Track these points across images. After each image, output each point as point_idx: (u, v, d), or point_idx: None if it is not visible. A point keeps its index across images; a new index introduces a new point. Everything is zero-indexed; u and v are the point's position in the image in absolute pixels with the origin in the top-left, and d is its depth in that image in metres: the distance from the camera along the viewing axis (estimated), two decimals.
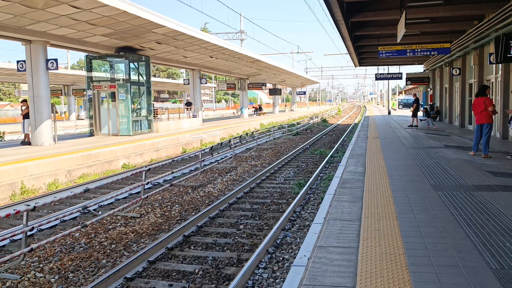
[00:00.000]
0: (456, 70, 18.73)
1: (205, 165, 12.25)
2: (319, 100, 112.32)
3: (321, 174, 11.14)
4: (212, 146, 15.74)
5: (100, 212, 7.69)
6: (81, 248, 6.00)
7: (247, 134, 20.95)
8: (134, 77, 18.10)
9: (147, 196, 8.28)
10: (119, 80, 17.81)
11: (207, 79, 37.90)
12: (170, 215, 7.61)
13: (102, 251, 5.86)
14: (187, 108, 25.20)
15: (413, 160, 8.89)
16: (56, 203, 8.63)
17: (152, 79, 26.37)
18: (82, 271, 5.21)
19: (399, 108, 50.19)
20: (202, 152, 12.98)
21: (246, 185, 9.65)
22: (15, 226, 6.97)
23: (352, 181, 6.78)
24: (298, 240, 5.99)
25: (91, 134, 17.97)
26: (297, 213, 7.40)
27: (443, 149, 10.79)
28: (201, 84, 26.81)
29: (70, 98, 41.10)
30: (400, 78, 27.20)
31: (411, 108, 19.85)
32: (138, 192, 9.10)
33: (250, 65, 28.59)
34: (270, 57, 36.21)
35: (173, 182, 9.59)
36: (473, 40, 14.60)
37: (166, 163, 11.90)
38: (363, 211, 4.94)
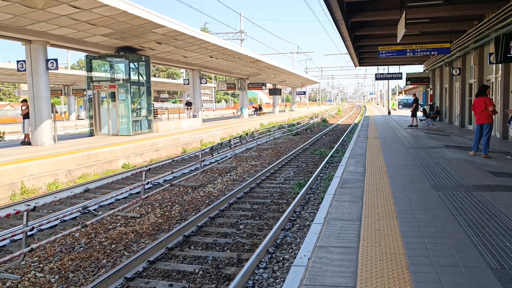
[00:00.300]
0: (456, 70, 18.73)
1: (205, 165, 12.25)
2: (319, 100, 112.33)
3: (321, 174, 11.14)
4: (212, 146, 15.74)
5: (100, 212, 7.69)
6: (81, 248, 6.00)
7: (247, 134, 20.95)
8: (134, 77, 18.11)
9: (147, 196, 8.28)
10: (119, 80, 17.81)
11: (207, 79, 37.91)
12: (170, 215, 7.61)
13: (102, 251, 5.86)
14: (187, 108, 25.20)
15: (413, 160, 8.89)
16: (56, 203, 8.63)
17: (152, 79, 26.38)
18: (82, 271, 5.21)
19: (399, 108, 50.17)
20: (202, 152, 12.98)
21: (246, 185, 9.65)
22: (15, 226, 6.97)
23: (352, 181, 6.78)
24: (298, 240, 5.99)
25: (91, 134, 17.97)
26: (297, 213, 7.40)
27: (443, 149, 10.79)
28: (201, 84, 26.81)
29: (70, 98, 41.11)
30: (400, 78, 27.20)
31: (411, 108, 19.85)
32: (138, 192, 9.10)
33: (250, 65, 28.60)
34: (270, 57, 36.21)
35: (173, 182, 9.58)
36: (473, 40, 14.60)
37: (166, 163, 11.90)
38: (363, 211, 4.94)
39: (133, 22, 13.62)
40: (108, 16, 12.60)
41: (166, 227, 6.93)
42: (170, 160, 11.78)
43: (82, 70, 48.01)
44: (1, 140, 18.73)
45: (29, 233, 5.91)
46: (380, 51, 15.98)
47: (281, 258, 5.35)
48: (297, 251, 5.44)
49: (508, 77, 12.75)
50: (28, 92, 14.57)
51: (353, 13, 13.28)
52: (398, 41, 12.91)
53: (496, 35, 11.69)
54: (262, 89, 40.45)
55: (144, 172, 8.52)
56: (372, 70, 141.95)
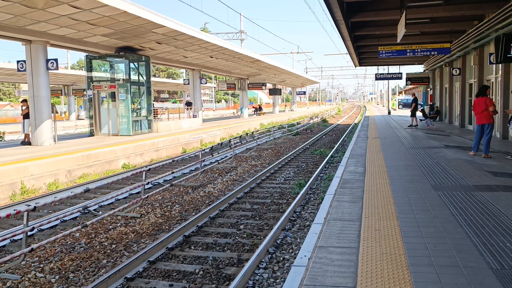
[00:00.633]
0: (456, 70, 18.73)
1: (205, 165, 12.26)
2: (319, 100, 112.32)
3: (321, 174, 11.14)
4: (212, 146, 15.74)
5: (100, 212, 7.69)
6: (82, 248, 6.00)
7: (247, 134, 20.95)
8: (134, 77, 18.11)
9: (147, 196, 8.28)
10: (119, 80, 17.82)
11: (207, 79, 37.90)
12: (170, 215, 7.61)
13: (103, 251, 5.86)
14: (187, 108, 25.21)
15: (413, 160, 8.90)
16: (57, 203, 8.63)
17: (152, 79, 26.38)
18: (82, 271, 5.21)
19: (399, 108, 50.17)
20: (202, 152, 12.98)
21: (246, 185, 9.65)
22: (16, 226, 6.97)
23: (352, 181, 6.79)
24: (299, 240, 5.99)
25: (91, 134, 17.97)
26: (297, 213, 7.40)
27: (443, 149, 10.79)
28: (201, 84, 26.81)
29: (70, 98, 41.11)
30: (400, 78, 27.21)
31: (411, 108, 19.85)
32: (138, 192, 9.10)
33: (250, 65, 28.60)
34: (270, 57, 36.19)
35: (173, 182, 9.58)
36: (473, 40, 14.60)
37: (166, 163, 11.90)
38: (364, 211, 4.94)
39: (133, 22, 13.62)
40: (108, 16, 12.60)
41: (166, 227, 6.94)
42: (170, 160, 11.78)
43: (82, 70, 48.04)
44: (1, 140, 18.72)
45: (29, 233, 5.91)
46: (380, 51, 15.98)
47: (281, 258, 5.35)
48: (297, 251, 5.44)
49: (508, 77, 12.75)
50: (28, 92, 14.57)
51: (353, 13, 13.28)
52: (398, 41, 12.92)
53: (496, 35, 11.69)
54: (262, 89, 40.46)
55: (144, 172, 8.52)
56: (372, 70, 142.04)
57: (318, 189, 9.36)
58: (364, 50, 21.96)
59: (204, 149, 14.37)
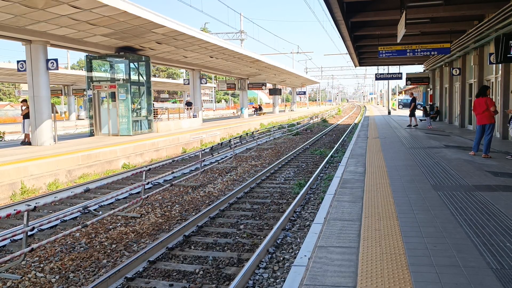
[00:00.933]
0: (456, 70, 18.73)
1: (205, 165, 12.26)
2: (319, 100, 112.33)
3: (321, 174, 11.14)
4: (212, 146, 15.75)
5: (100, 212, 7.70)
6: (82, 248, 6.00)
7: (247, 134, 20.95)
8: (134, 77, 18.11)
9: (148, 196, 8.28)
10: (119, 80, 17.82)
11: (207, 79, 37.89)
12: (170, 215, 7.61)
13: (103, 251, 5.86)
14: (187, 108, 25.21)
15: (413, 160, 8.90)
16: (57, 203, 8.63)
17: (152, 79, 26.38)
18: (82, 271, 5.21)
19: (399, 108, 50.18)
20: (202, 152, 12.99)
21: (246, 185, 9.65)
22: (16, 226, 6.97)
23: (352, 181, 6.79)
24: (299, 240, 5.99)
25: (91, 134, 17.97)
26: (297, 213, 7.40)
27: (443, 149, 10.79)
28: (201, 84, 26.81)
29: (70, 98, 41.10)
30: (400, 78, 27.20)
31: (410, 108, 19.85)
32: (138, 192, 9.11)
33: (250, 65, 28.60)
34: (270, 57, 36.20)
35: (173, 182, 9.59)
36: (473, 40, 14.60)
37: (166, 163, 11.89)
38: (364, 211, 4.94)
39: (133, 22, 13.63)
40: (108, 16, 12.60)
41: (166, 227, 6.94)
42: (170, 160, 11.78)
43: (82, 70, 48.06)
44: (1, 140, 18.73)
45: (29, 233, 5.91)
46: (380, 51, 15.98)
47: (282, 258, 5.36)
48: (297, 251, 5.44)
49: (508, 77, 12.75)
50: (28, 92, 14.57)
51: (353, 13, 13.28)
52: (398, 41, 12.92)
53: (496, 35, 11.69)
54: (262, 89, 40.46)
55: (144, 172, 8.52)
56: (372, 70, 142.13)
57: (318, 189, 9.36)
58: (364, 50, 21.97)
59: (204, 149, 14.38)
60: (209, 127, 22.57)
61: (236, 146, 15.62)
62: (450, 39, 16.67)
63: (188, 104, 25.75)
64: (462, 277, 3.10)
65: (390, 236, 4.06)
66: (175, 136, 17.39)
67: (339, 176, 7.36)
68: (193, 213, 7.69)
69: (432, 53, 16.24)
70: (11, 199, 9.28)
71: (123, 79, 17.72)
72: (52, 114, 14.46)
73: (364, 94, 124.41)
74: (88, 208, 7.04)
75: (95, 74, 18.26)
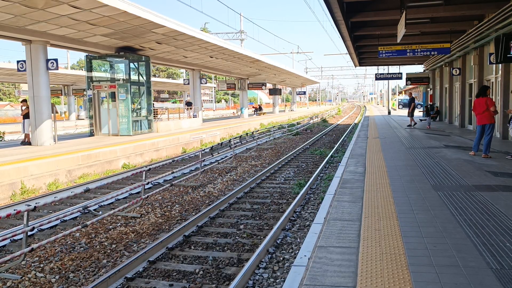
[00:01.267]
0: (456, 70, 18.73)
1: (205, 165, 12.26)
2: (319, 100, 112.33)
3: (321, 174, 11.14)
4: (212, 146, 15.74)
5: (100, 212, 7.70)
6: (82, 248, 6.00)
7: (247, 134, 20.95)
8: (134, 77, 18.11)
9: (147, 196, 8.28)
10: (119, 80, 17.82)
11: (207, 79, 37.91)
12: (170, 215, 7.61)
13: (103, 251, 5.86)
14: (187, 108, 25.21)
15: (413, 160, 8.90)
16: (57, 203, 8.63)
17: (152, 79, 26.38)
18: (82, 271, 5.21)
19: (399, 108, 50.19)
20: (202, 152, 12.99)
21: (246, 185, 9.65)
22: (16, 226, 6.98)
23: (352, 181, 6.79)
24: (299, 240, 5.99)
25: (91, 134, 17.98)
26: (297, 213, 7.40)
27: (443, 149, 10.80)
28: (201, 84, 26.81)
29: (70, 98, 41.10)
30: (400, 78, 27.21)
31: (410, 108, 19.84)
32: (138, 192, 9.11)
33: (250, 65, 28.60)
34: (270, 57, 36.21)
35: (173, 182, 9.59)
36: (473, 40, 14.60)
37: (166, 163, 11.90)
38: (363, 211, 4.95)
39: (133, 22, 13.63)
40: (108, 16, 12.60)
41: (166, 227, 6.94)
42: (170, 160, 11.78)
43: (82, 70, 48.02)
44: (1, 140, 18.72)
45: (29, 233, 5.91)
46: (380, 51, 15.98)
47: (281, 258, 5.36)
48: (297, 251, 5.44)
49: (508, 77, 12.75)
50: (28, 92, 14.57)
51: (353, 13, 13.28)
52: (398, 41, 12.92)
53: (496, 35, 11.69)
54: (262, 89, 40.45)
55: (144, 172, 8.52)
56: (372, 70, 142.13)
57: (318, 189, 9.36)
58: (364, 50, 21.97)
59: (204, 149, 14.38)
60: (209, 127, 22.57)
61: (236, 146, 15.62)
62: (450, 39, 16.67)
63: (188, 104, 25.76)
64: (462, 277, 3.10)
65: (390, 236, 4.06)
66: (175, 136, 17.39)
67: (339, 176, 7.36)
68: (193, 213, 7.69)
69: (432, 53, 16.24)
70: (11, 199, 9.28)
71: (123, 79, 17.72)
72: (52, 114, 14.46)
73: (364, 94, 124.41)
74: (88, 208, 7.04)
75: (95, 74, 18.26)
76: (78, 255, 5.68)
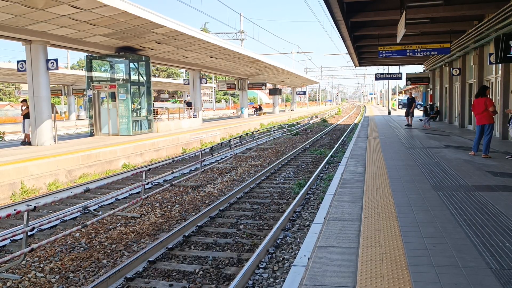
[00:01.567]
0: (456, 70, 18.74)
1: (205, 165, 12.26)
2: (319, 100, 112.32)
3: (321, 174, 11.14)
4: (212, 146, 15.75)
5: (100, 212, 7.70)
6: (82, 248, 6.01)
7: (247, 134, 20.95)
8: (134, 77, 18.11)
9: (147, 196, 8.28)
10: (119, 80, 17.82)
11: (207, 79, 37.90)
12: (170, 215, 7.62)
13: (103, 251, 5.86)
14: (187, 108, 25.21)
15: (413, 160, 8.90)
16: (57, 203, 8.63)
17: (152, 79, 26.38)
18: (82, 271, 5.21)
19: (399, 108, 50.19)
20: (202, 152, 12.99)
21: (246, 185, 9.65)
22: (16, 226, 6.98)
23: (352, 181, 6.79)
24: (298, 240, 6.00)
25: (91, 134, 17.98)
26: (297, 213, 7.41)
27: (443, 149, 10.80)
28: (201, 84, 26.82)
29: (70, 98, 41.11)
30: (400, 78, 27.21)
31: (411, 108, 19.85)
32: (138, 192, 9.11)
33: (250, 65, 28.60)
34: (270, 57, 36.23)
35: (173, 182, 9.59)
36: (473, 40, 14.60)
37: (166, 163, 11.90)
38: (363, 211, 4.95)
39: (133, 22, 13.63)
40: (108, 16, 12.60)
41: (166, 227, 6.94)
42: (170, 160, 11.78)
43: (82, 70, 48.04)
44: (1, 140, 18.73)
45: (29, 233, 5.92)
46: (380, 51, 15.98)
47: (281, 258, 5.36)
48: (297, 251, 5.45)
49: (508, 77, 12.75)
50: (28, 92, 14.58)
51: (353, 13, 13.29)
52: (398, 41, 12.92)
53: (496, 35, 11.69)
54: (262, 89, 40.45)
55: (144, 172, 8.52)
56: (372, 70, 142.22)
57: (318, 189, 9.36)
58: (364, 50, 21.97)
59: (204, 149, 14.38)
60: (209, 127, 22.57)
61: (236, 146, 15.63)
62: (450, 39, 16.67)
63: (188, 104, 25.76)
64: (461, 277, 3.11)
65: (390, 236, 4.06)
66: (175, 136, 17.40)
67: (339, 176, 7.37)
68: (193, 213, 7.70)
69: (432, 53, 16.24)
70: (11, 199, 9.29)
71: (123, 79, 17.72)
72: (52, 114, 14.46)
73: (364, 94, 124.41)
74: (88, 208, 7.05)
75: (95, 74, 18.26)
76: (78, 255, 5.68)
